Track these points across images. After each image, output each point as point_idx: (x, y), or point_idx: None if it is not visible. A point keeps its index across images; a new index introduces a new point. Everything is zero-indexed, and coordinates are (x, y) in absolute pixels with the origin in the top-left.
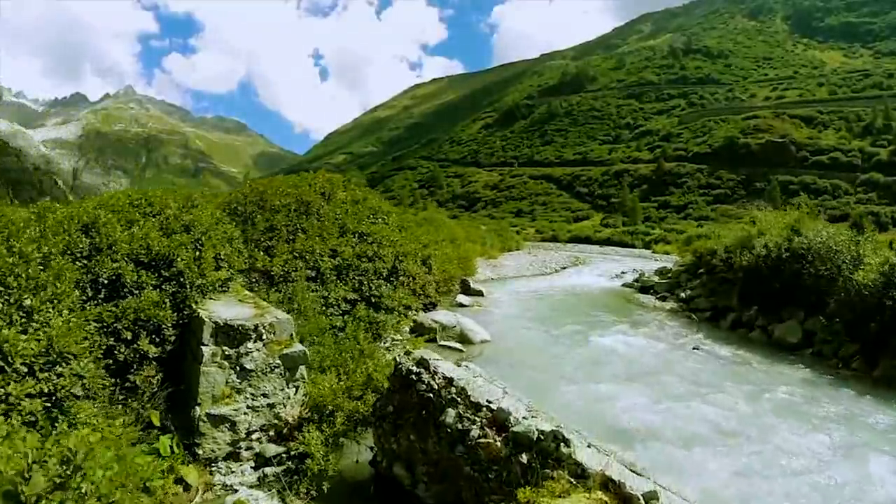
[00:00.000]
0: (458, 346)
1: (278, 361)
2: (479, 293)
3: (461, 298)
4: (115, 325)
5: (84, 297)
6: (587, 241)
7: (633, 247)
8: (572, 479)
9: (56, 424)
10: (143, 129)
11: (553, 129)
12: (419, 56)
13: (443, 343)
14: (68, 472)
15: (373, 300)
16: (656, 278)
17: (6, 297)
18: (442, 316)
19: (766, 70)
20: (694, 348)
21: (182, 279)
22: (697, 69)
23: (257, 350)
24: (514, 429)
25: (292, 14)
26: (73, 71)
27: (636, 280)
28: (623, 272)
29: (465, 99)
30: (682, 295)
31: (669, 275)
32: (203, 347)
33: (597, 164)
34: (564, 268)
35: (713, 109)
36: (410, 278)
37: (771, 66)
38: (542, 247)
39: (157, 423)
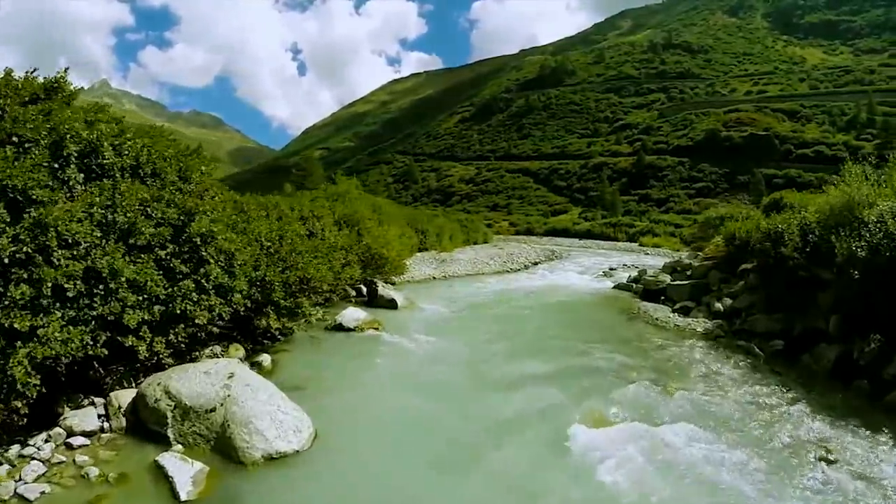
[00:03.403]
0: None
1: None
2: (391, 304)
3: (348, 316)
4: None
5: None
6: (565, 233)
7: (616, 240)
8: None
9: None
10: None
11: (531, 123)
12: (398, 51)
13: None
14: None
15: None
16: (667, 278)
17: None
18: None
19: (747, 66)
20: (821, 460)
21: None
22: (677, 64)
23: None
24: None
25: (270, 7)
26: (47, 64)
27: (634, 280)
28: (612, 268)
29: (442, 94)
30: (719, 306)
31: (689, 272)
32: None
33: (575, 157)
34: (536, 263)
35: (694, 103)
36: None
37: (751, 62)
38: (515, 240)
39: None
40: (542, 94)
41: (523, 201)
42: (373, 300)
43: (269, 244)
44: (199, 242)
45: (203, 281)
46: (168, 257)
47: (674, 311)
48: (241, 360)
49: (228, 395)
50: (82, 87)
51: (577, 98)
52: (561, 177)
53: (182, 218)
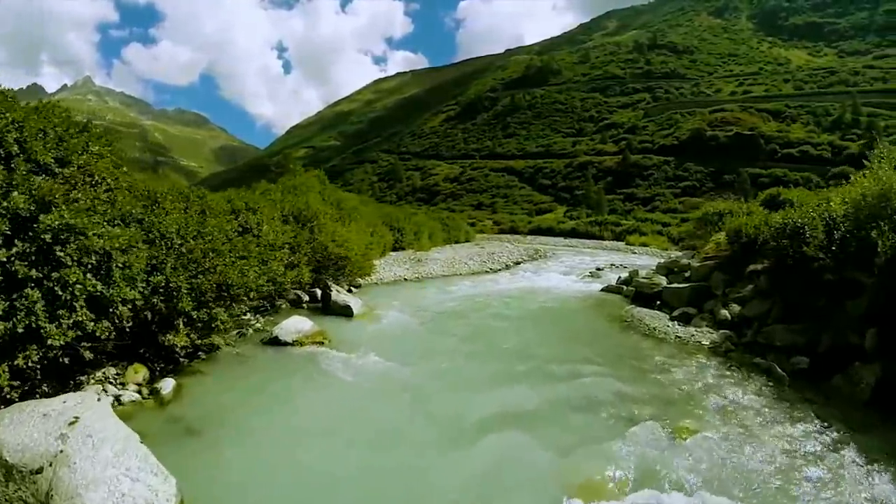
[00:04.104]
0: None
1: None
2: (345, 311)
3: (287, 327)
4: None
5: None
6: (550, 232)
7: (602, 238)
8: None
9: None
10: (101, 122)
11: (516, 122)
12: (384, 50)
13: None
14: None
15: None
16: (662, 280)
17: None
18: None
19: (732, 66)
20: None
21: None
22: (663, 64)
23: None
24: None
25: (256, 5)
26: (30, 61)
27: (625, 282)
28: (598, 268)
29: (428, 93)
30: (725, 314)
31: (688, 274)
32: None
33: (560, 156)
34: (518, 263)
35: (679, 103)
36: None
37: (736, 63)
38: (498, 239)
39: None
40: (527, 94)
41: (508, 200)
42: (327, 306)
43: (180, 242)
44: (48, 239)
45: (58, 289)
46: (11, 259)
47: (672, 319)
48: (139, 384)
49: (61, 451)
50: (65, 85)
51: (563, 97)
52: (546, 176)
53: (32, 208)
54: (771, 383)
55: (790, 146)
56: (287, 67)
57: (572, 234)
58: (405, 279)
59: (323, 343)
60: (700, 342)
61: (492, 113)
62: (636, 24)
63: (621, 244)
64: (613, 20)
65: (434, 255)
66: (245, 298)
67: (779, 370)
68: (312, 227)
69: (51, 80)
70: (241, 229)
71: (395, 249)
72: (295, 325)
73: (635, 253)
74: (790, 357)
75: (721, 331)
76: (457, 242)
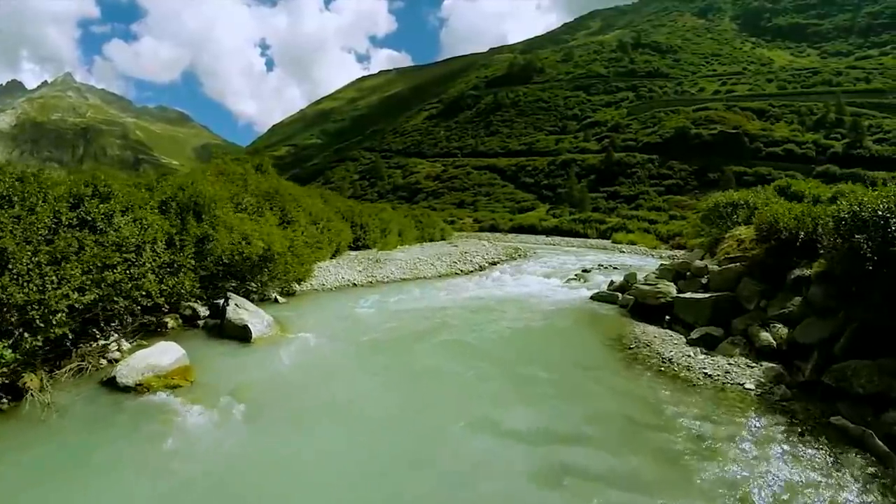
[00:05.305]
0: None
1: None
2: (242, 333)
3: (135, 362)
4: None
5: None
6: (532, 230)
7: (587, 236)
8: None
9: None
10: (81, 119)
11: (499, 120)
12: (367, 48)
13: None
14: None
15: None
16: (671, 288)
17: None
18: None
19: (715, 66)
20: None
21: None
22: (646, 63)
23: None
24: None
25: (239, 2)
26: (9, 58)
27: (619, 287)
28: (585, 270)
29: (411, 91)
30: (767, 338)
31: (704, 279)
32: None
33: (543, 154)
34: (494, 263)
35: (663, 101)
36: None
37: (719, 63)
38: (477, 237)
39: None
40: (510, 92)
41: (490, 198)
42: (228, 330)
43: None
44: None
45: None
46: None
47: (692, 344)
48: None
49: None
50: (45, 81)
51: (546, 95)
52: (528, 174)
53: None
54: (873, 468)
55: (775, 145)
56: (270, 65)
57: (555, 231)
58: (354, 284)
59: (179, 387)
60: (741, 384)
61: (475, 111)
62: (620, 24)
63: (607, 242)
64: (597, 20)
65: (397, 255)
66: (43, 325)
67: (880, 444)
68: (210, 221)
69: (31, 77)
70: (74, 222)
71: (357, 248)
72: (149, 358)
73: (623, 252)
74: (880, 413)
75: (764, 363)
76: (431, 241)
